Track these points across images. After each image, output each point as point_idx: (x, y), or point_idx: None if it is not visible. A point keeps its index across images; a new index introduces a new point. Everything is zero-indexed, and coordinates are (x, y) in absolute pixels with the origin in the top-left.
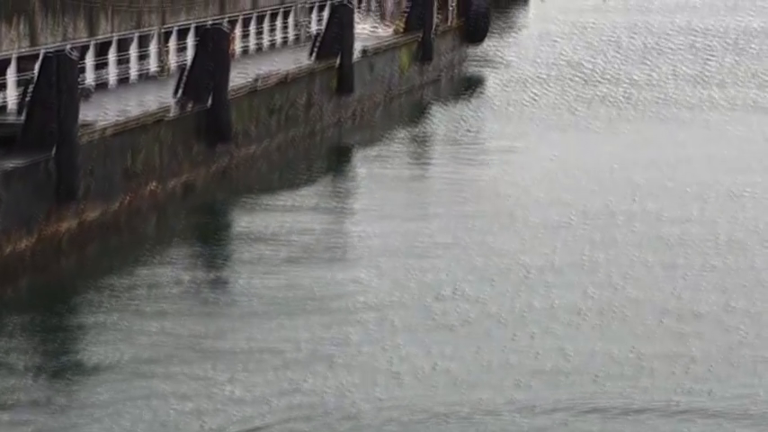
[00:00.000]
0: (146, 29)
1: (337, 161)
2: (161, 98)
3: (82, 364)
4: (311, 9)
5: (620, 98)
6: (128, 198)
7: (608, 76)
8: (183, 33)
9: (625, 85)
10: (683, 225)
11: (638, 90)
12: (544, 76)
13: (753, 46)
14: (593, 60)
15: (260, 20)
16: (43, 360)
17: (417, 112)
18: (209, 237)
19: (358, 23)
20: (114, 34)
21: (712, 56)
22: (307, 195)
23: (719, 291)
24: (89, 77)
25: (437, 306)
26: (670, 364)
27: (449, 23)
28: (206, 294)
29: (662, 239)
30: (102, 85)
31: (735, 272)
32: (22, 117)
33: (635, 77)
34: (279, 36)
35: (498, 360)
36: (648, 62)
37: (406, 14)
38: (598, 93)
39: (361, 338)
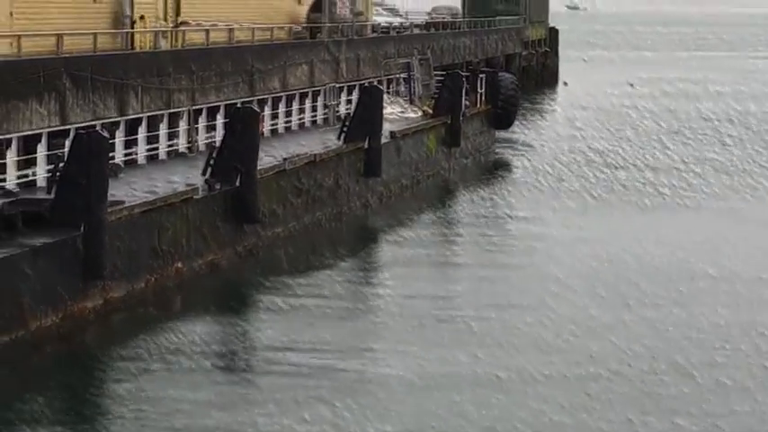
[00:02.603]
0: (175, 108)
1: (363, 244)
2: (189, 177)
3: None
4: (340, 90)
5: (644, 184)
6: (153, 277)
7: (634, 162)
8: (212, 112)
9: (649, 171)
10: (709, 313)
11: (661, 176)
12: (570, 161)
13: None
14: (618, 145)
15: (289, 100)
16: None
17: (444, 196)
18: (234, 316)
19: (386, 106)
20: (144, 113)
21: (738, 143)
22: (332, 278)
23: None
24: (118, 155)
25: (462, 396)
26: None
27: (477, 107)
28: (231, 371)
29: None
30: (130, 163)
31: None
32: (52, 194)
33: (659, 163)
34: (308, 117)
35: None
36: (673, 148)
37: (434, 98)
38: (622, 178)
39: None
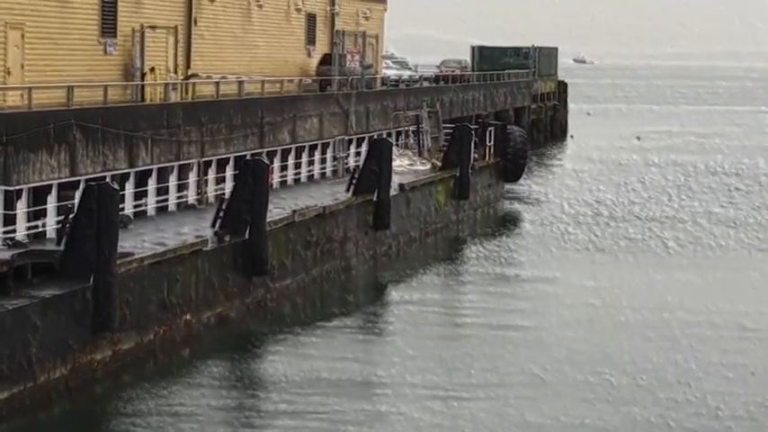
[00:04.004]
0: (185, 159)
1: (371, 297)
2: (199, 229)
3: None
4: (350, 143)
5: (651, 237)
6: (162, 329)
7: (640, 215)
8: (222, 164)
9: (656, 224)
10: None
11: (667, 229)
12: (577, 214)
13: None
14: (625, 199)
15: (298, 152)
16: None
17: (452, 249)
18: (243, 369)
19: (396, 158)
20: (154, 165)
21: (745, 197)
22: (340, 332)
23: None
24: (128, 206)
25: None
26: None
27: (486, 160)
28: (240, 426)
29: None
30: (140, 214)
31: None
32: (62, 245)
33: (666, 216)
34: (317, 169)
35: None
36: (679, 201)
37: (443, 150)
38: (629, 232)
39: None
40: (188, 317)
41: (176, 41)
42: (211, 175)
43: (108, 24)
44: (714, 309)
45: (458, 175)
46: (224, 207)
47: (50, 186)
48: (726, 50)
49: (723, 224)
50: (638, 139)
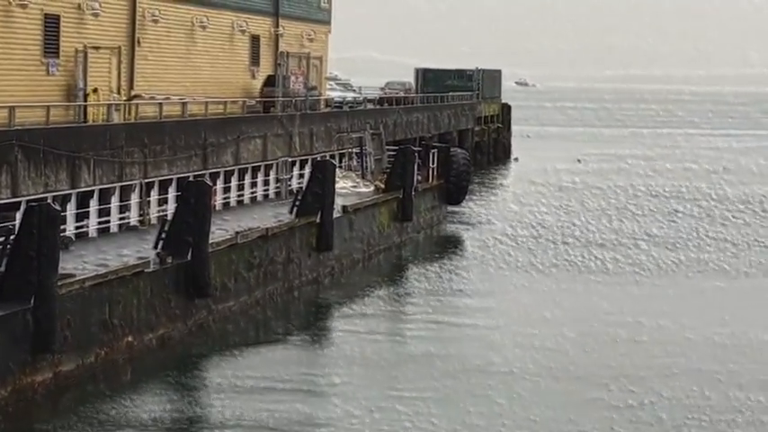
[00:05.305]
0: (127, 180)
1: (314, 318)
2: (140, 250)
3: None
4: (293, 164)
5: (590, 259)
6: (104, 350)
7: (580, 237)
8: (164, 185)
9: (595, 247)
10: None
11: (606, 251)
12: (519, 236)
13: (727, 213)
14: (565, 221)
15: (242, 174)
16: None
17: (395, 271)
18: (184, 391)
19: (339, 180)
20: (96, 186)
21: (684, 219)
22: (282, 354)
23: None
24: (69, 228)
25: None
26: None
27: (429, 183)
28: None
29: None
30: (82, 236)
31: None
32: (2, 266)
33: (605, 239)
34: (260, 191)
35: None
36: (619, 224)
37: (387, 172)
38: (569, 254)
39: None
40: (130, 338)
41: (119, 62)
42: (154, 196)
43: (50, 45)
44: (647, 325)
45: (401, 197)
46: (166, 228)
47: None
48: (672, 74)
49: (662, 246)
50: (579, 161)
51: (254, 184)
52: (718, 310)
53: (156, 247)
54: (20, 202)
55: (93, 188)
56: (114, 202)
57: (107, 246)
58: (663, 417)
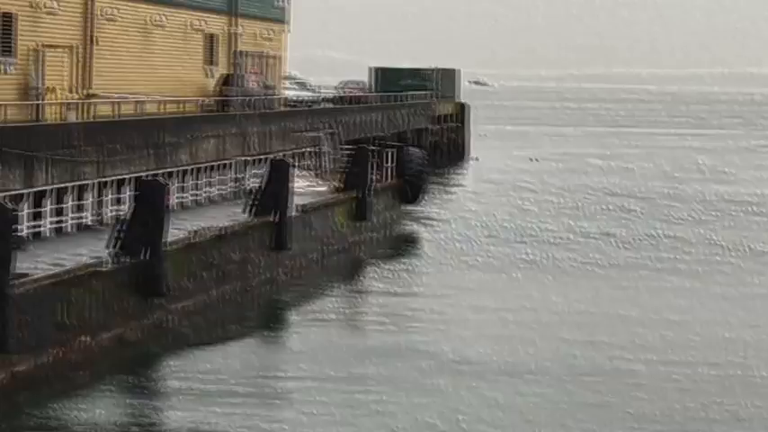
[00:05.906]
0: (83, 180)
1: (271, 318)
2: (96, 250)
3: None
4: (250, 164)
5: (545, 258)
6: (59, 350)
7: (536, 236)
8: (120, 185)
9: (550, 245)
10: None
11: (561, 250)
12: (475, 236)
13: (682, 211)
14: (521, 220)
15: (198, 173)
16: None
17: (352, 270)
18: (139, 392)
19: (295, 180)
20: (51, 185)
21: (639, 218)
22: (238, 353)
23: None
24: (24, 227)
25: None
26: None
27: (386, 182)
28: None
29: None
30: (37, 235)
31: None
32: None
33: (559, 237)
34: (216, 190)
35: None
36: (574, 222)
37: (343, 172)
38: (524, 252)
39: None
40: (85, 338)
41: (76, 61)
42: (110, 195)
43: (5, 43)
44: (599, 320)
45: (358, 196)
46: (122, 228)
47: None
48: (631, 73)
49: (616, 244)
50: (532, 160)
51: (210, 184)
52: (670, 305)
53: (111, 247)
54: None
55: (48, 187)
56: (70, 202)
57: (62, 245)
58: (609, 403)
